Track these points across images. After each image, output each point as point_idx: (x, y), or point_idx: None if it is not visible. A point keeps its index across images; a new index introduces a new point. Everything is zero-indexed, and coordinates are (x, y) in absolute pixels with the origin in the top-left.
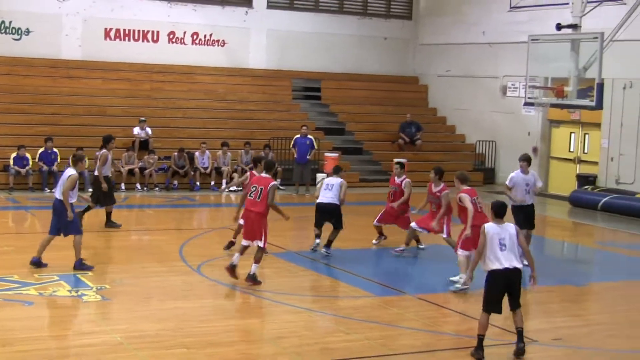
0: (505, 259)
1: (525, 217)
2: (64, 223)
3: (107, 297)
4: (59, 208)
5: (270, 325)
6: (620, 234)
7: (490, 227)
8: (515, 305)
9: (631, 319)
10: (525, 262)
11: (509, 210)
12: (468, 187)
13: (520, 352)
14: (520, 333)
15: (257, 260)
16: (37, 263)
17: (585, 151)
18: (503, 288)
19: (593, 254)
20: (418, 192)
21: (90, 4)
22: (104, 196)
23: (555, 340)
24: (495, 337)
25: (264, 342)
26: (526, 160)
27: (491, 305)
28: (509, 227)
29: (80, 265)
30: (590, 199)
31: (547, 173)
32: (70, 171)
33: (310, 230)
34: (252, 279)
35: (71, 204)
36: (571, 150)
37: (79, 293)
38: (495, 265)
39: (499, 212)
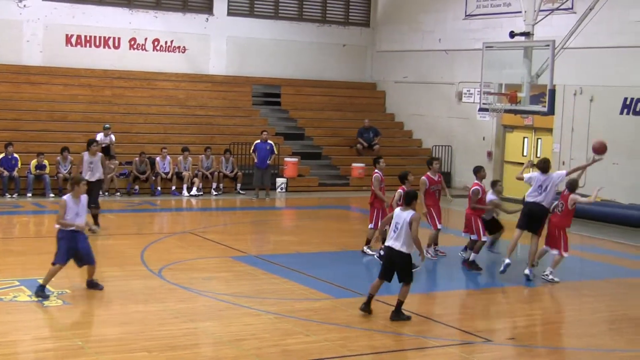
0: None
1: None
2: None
3: (68, 302)
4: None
5: (231, 328)
6: (571, 236)
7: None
8: (400, 279)
9: (581, 318)
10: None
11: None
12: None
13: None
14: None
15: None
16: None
17: (538, 155)
18: (385, 261)
19: (546, 256)
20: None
21: (51, 10)
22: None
23: (509, 339)
24: (448, 338)
25: (224, 345)
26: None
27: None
28: (407, 212)
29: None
30: None
31: (502, 177)
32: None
33: (269, 234)
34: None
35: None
36: (524, 154)
37: (40, 298)
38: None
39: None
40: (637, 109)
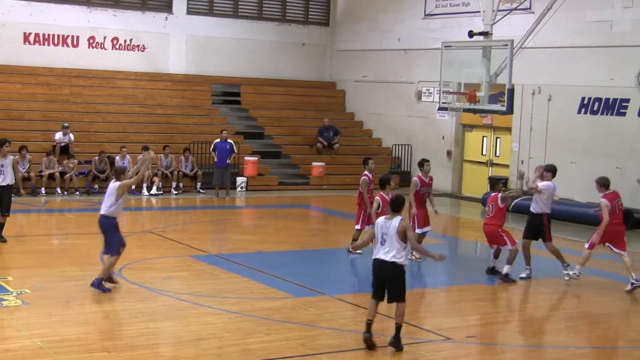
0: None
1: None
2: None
3: (27, 302)
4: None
5: (190, 327)
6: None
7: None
8: (391, 299)
9: (538, 316)
10: None
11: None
12: (609, 192)
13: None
14: (397, 329)
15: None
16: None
17: (497, 154)
18: (375, 276)
19: (504, 254)
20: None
21: (8, 8)
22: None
23: (468, 337)
24: (409, 336)
25: (184, 345)
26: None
27: (373, 291)
28: (393, 221)
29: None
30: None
31: (461, 176)
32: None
33: (229, 233)
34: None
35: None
36: (483, 153)
37: None
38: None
39: (392, 205)
40: (595, 109)
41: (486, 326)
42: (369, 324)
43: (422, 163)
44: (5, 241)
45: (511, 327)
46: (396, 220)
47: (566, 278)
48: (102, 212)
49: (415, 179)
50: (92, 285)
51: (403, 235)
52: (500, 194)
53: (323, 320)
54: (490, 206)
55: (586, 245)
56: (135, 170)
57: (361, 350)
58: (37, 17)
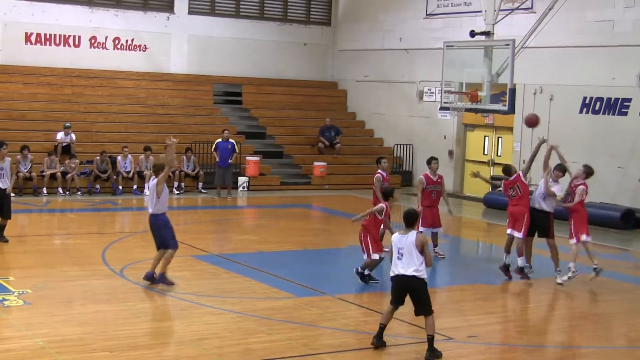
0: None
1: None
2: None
3: (29, 302)
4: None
5: (192, 327)
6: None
7: (394, 237)
8: (418, 312)
9: (539, 316)
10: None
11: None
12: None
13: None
14: (429, 340)
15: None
16: (154, 278)
17: (499, 154)
18: (396, 292)
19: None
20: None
21: (10, 8)
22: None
23: (470, 337)
24: (410, 336)
25: (186, 344)
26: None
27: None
28: (409, 236)
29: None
30: (503, 200)
31: (462, 175)
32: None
33: (231, 232)
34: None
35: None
36: (485, 153)
37: (0, 298)
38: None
39: (405, 220)
40: (596, 108)
41: (487, 326)
42: (381, 329)
43: (430, 161)
44: (7, 241)
45: (513, 326)
46: (412, 235)
47: (559, 281)
48: (150, 211)
49: (421, 176)
50: (154, 281)
51: (421, 249)
52: (521, 172)
53: (325, 320)
54: (516, 187)
55: (572, 241)
56: (166, 161)
57: (363, 350)
58: (38, 17)
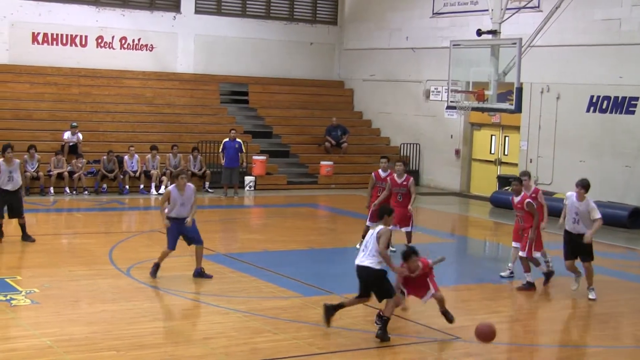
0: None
1: (572, 247)
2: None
3: (36, 301)
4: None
5: (199, 326)
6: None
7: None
8: (379, 299)
9: (546, 316)
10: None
11: None
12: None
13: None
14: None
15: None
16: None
17: (506, 153)
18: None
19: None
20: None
21: (17, 7)
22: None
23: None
24: (417, 335)
25: (192, 344)
26: (583, 186)
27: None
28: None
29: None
30: (510, 199)
31: (469, 174)
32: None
33: (237, 232)
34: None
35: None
36: (492, 152)
37: (8, 297)
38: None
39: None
40: (603, 107)
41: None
42: (339, 306)
43: (382, 160)
44: (33, 240)
45: (519, 326)
46: (377, 228)
47: (591, 296)
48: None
49: (372, 174)
50: (204, 275)
51: (378, 240)
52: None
53: (331, 319)
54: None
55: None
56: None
57: (370, 349)
58: (45, 17)
